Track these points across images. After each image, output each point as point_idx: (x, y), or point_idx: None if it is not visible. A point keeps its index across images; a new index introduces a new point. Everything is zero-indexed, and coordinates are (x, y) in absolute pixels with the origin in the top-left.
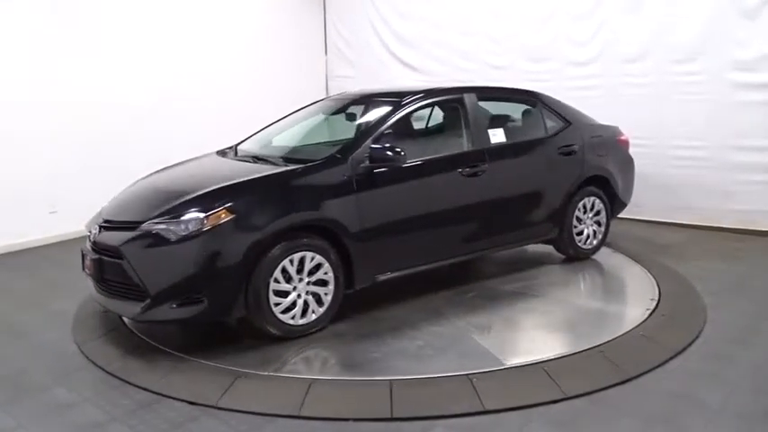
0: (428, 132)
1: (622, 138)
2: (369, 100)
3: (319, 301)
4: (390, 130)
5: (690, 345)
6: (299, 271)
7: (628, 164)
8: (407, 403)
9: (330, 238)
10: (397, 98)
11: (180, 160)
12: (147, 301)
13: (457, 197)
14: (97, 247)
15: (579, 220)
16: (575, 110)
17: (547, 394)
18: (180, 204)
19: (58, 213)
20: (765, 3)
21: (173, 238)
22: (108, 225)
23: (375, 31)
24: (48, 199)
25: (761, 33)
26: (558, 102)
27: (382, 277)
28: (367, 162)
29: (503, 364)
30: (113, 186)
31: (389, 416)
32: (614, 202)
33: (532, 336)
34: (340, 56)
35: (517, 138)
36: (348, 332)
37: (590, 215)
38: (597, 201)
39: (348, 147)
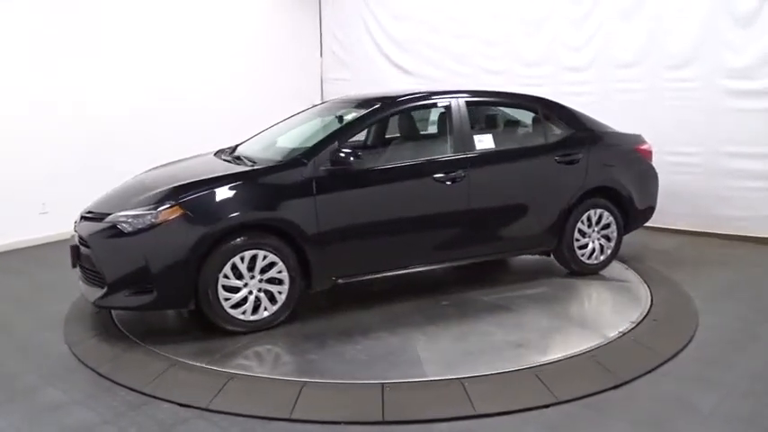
0: (407, 137)
1: (642, 147)
2: (364, 103)
3: (273, 299)
4: (363, 134)
5: (682, 350)
6: (251, 268)
7: (647, 175)
8: (399, 407)
9: (287, 238)
10: (377, 103)
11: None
12: (105, 288)
13: (429, 204)
14: (77, 236)
15: (583, 233)
16: (585, 117)
17: (539, 399)
18: (142, 199)
19: (50, 214)
20: (758, 10)
21: (128, 230)
22: (88, 216)
23: (370, 33)
24: (40, 199)
25: (754, 40)
26: (565, 108)
27: (342, 280)
28: (328, 165)
29: (426, 376)
30: (108, 187)
31: (381, 419)
32: (629, 216)
33: (478, 350)
34: (335, 58)
35: (508, 144)
36: (297, 331)
37: (596, 229)
38: (606, 213)
39: (312, 149)
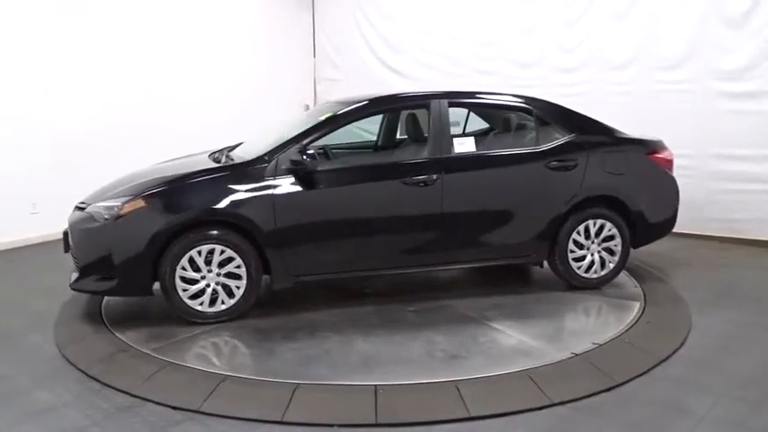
0: (383, 138)
1: (658, 154)
2: (352, 104)
3: (231, 294)
4: (330, 135)
5: (675, 352)
6: (209, 262)
7: (662, 184)
8: (392, 409)
9: (247, 234)
10: (360, 104)
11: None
12: (78, 272)
13: (395, 206)
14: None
15: (579, 244)
16: (588, 120)
17: (532, 401)
18: (116, 192)
19: (41, 214)
20: (749, 13)
21: (98, 220)
22: (79, 206)
23: (362, 35)
24: (31, 200)
25: (745, 43)
26: (565, 111)
27: (305, 278)
28: (289, 164)
29: (332, 380)
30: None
31: (374, 422)
32: (638, 229)
33: (409, 357)
34: (328, 59)
35: (493, 148)
36: (249, 326)
37: (596, 240)
38: (608, 224)
39: (275, 149)
